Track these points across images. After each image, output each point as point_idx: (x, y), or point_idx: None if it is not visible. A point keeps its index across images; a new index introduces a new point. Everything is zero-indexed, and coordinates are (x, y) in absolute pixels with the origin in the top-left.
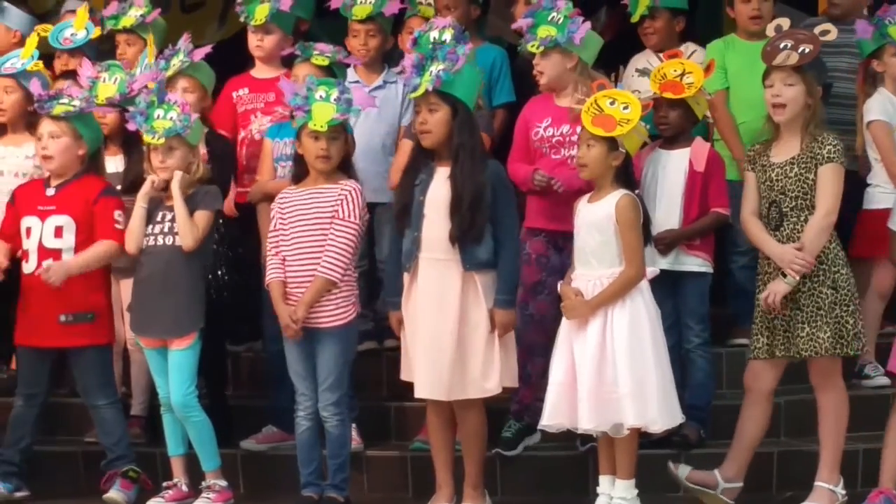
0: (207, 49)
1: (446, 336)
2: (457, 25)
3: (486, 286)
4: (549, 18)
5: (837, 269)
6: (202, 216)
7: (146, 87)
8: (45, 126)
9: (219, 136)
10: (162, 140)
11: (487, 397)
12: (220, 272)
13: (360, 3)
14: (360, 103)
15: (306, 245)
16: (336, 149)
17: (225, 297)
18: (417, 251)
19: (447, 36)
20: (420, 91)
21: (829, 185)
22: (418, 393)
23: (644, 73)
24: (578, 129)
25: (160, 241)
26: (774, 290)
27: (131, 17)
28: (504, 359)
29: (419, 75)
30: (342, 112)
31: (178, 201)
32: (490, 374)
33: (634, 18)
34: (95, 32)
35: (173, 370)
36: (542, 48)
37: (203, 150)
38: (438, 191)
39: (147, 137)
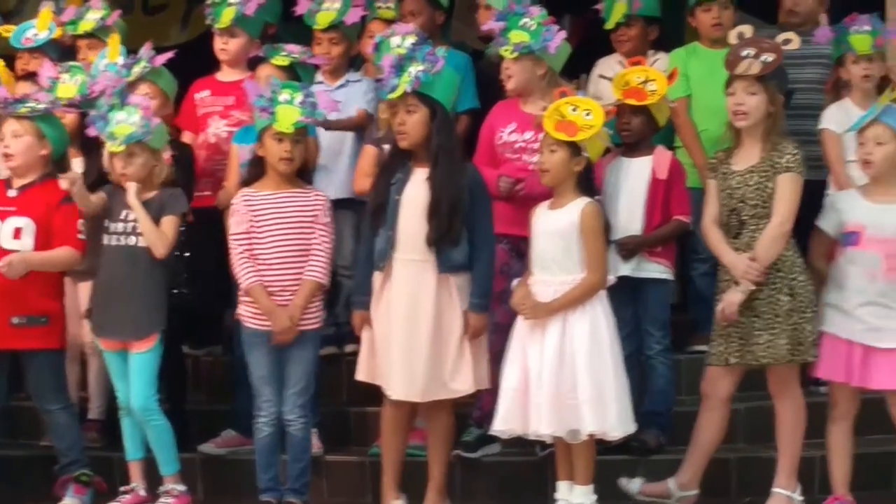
0: (169, 55)
1: (421, 338)
2: (419, 32)
3: (460, 288)
4: (521, 24)
5: (795, 276)
6: (169, 222)
7: (106, 90)
8: (8, 126)
9: (180, 144)
10: (122, 147)
11: (455, 402)
12: (179, 276)
13: (325, 10)
14: (324, 107)
15: (286, 249)
16: (299, 151)
17: (186, 302)
18: (392, 251)
19: (409, 42)
20: (399, 92)
21: (785, 194)
22: (392, 395)
23: (608, 79)
24: (541, 135)
25: (122, 241)
26: (729, 301)
27: (90, 20)
28: (476, 360)
29: (397, 76)
30: (307, 115)
31: (139, 212)
32: (461, 375)
33: (610, 25)
34: (57, 33)
35: (134, 374)
36: (515, 54)
37: (167, 154)
38: (416, 191)
39: (108, 145)
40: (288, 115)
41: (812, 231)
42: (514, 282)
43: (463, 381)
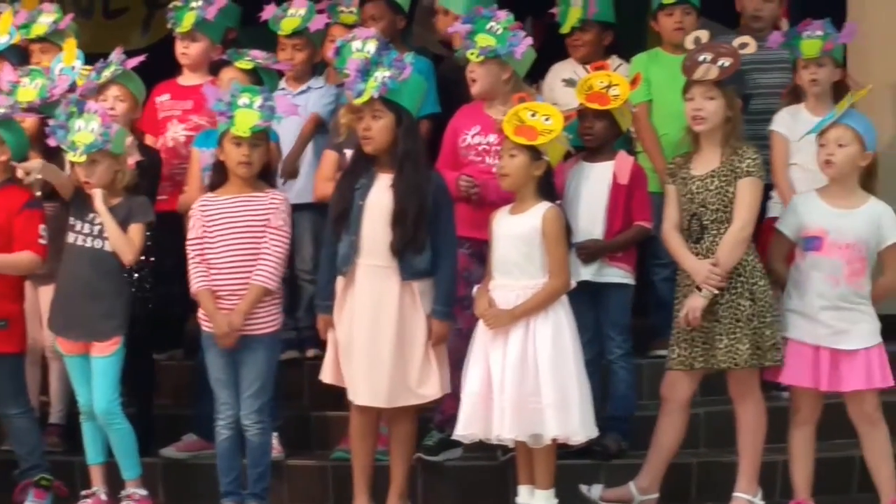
0: (140, 58)
1: (385, 344)
2: (380, 37)
3: (423, 293)
4: (488, 28)
5: (755, 280)
6: (136, 229)
7: (65, 96)
8: None
9: (147, 148)
10: (83, 157)
11: (418, 407)
12: (144, 281)
13: (290, 16)
14: (283, 111)
15: (237, 253)
16: (258, 155)
17: (149, 306)
18: (355, 256)
19: (370, 47)
20: (365, 97)
21: (746, 198)
22: (357, 400)
23: (570, 83)
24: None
25: (88, 242)
26: (692, 306)
27: (42, 24)
28: (440, 365)
29: (363, 81)
30: (265, 119)
31: (106, 218)
32: (428, 380)
33: (565, 30)
34: (17, 38)
35: (97, 378)
36: (481, 57)
37: (133, 159)
38: (379, 197)
39: (69, 155)
40: (246, 120)
41: (769, 234)
42: (475, 288)
43: (431, 387)
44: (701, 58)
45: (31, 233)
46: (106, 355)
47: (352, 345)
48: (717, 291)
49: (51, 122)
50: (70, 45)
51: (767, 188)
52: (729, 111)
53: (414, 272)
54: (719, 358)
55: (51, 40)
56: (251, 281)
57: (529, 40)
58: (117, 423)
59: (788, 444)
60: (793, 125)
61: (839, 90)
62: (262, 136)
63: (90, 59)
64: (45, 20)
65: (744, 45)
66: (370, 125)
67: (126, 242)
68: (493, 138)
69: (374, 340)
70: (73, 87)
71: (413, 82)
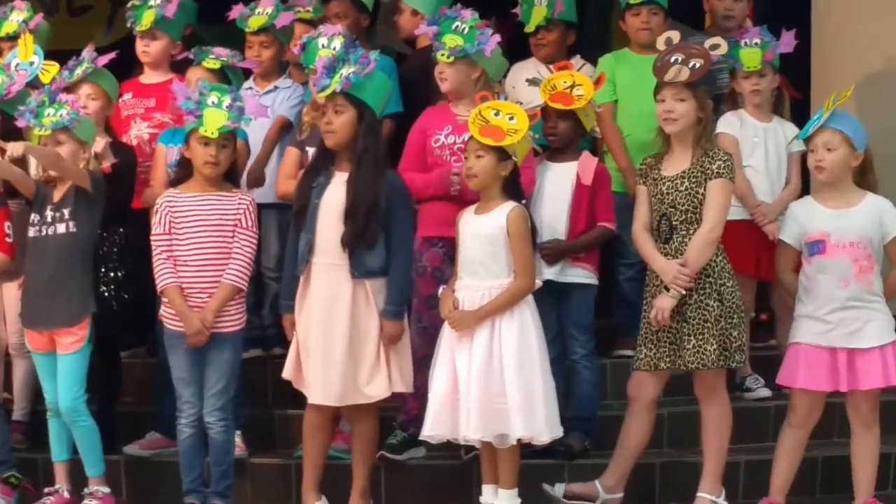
0: (111, 55)
1: (337, 342)
2: (347, 34)
3: (376, 293)
4: (454, 27)
5: (724, 281)
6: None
7: (30, 91)
8: None
9: (122, 145)
10: (48, 132)
11: (380, 405)
12: (111, 279)
13: (257, 14)
14: (251, 112)
15: (208, 252)
16: (225, 156)
17: (115, 303)
18: (310, 255)
19: (336, 44)
20: (328, 91)
21: (716, 200)
22: (311, 399)
23: (534, 83)
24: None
25: (43, 231)
26: (661, 307)
27: (13, 22)
28: (396, 364)
29: (329, 77)
30: (233, 120)
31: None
32: (375, 380)
33: (530, 28)
34: None
35: (62, 374)
36: (451, 58)
37: (108, 162)
38: (335, 195)
39: (35, 131)
40: (214, 120)
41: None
42: (441, 289)
43: (377, 387)
44: (672, 59)
45: None
46: (72, 352)
47: (308, 343)
48: (684, 292)
49: (21, 107)
50: (27, 41)
51: None
52: (700, 112)
53: (366, 271)
54: (687, 359)
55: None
56: (223, 280)
57: (497, 38)
58: (82, 419)
59: (778, 442)
60: (738, 127)
61: (778, 95)
62: (230, 137)
63: (54, 56)
64: (16, 18)
65: (715, 47)
66: (332, 119)
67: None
68: (467, 136)
69: (327, 339)
70: (33, 83)
71: (377, 80)
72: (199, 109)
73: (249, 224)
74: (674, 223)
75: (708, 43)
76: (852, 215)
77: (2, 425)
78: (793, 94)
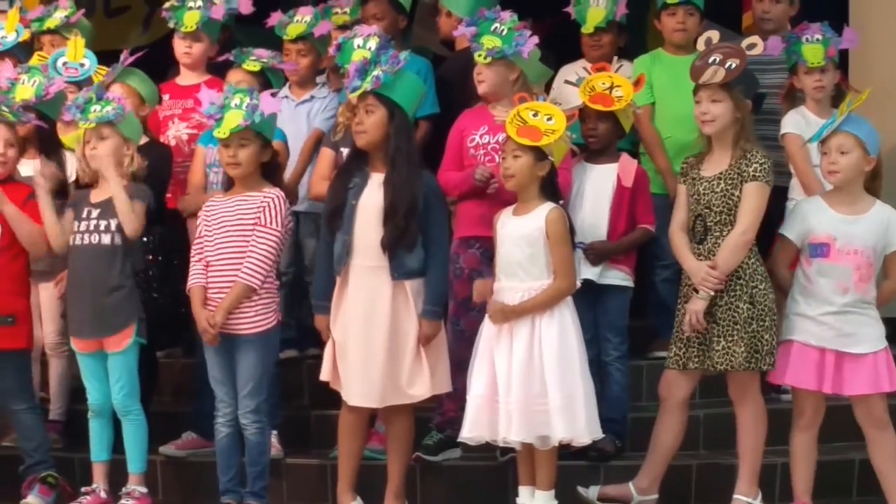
0: (138, 55)
1: (378, 344)
2: (382, 34)
3: (416, 293)
4: (492, 29)
5: (756, 283)
6: (138, 206)
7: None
8: None
9: (157, 145)
10: (93, 125)
11: (416, 406)
12: (150, 281)
13: (297, 22)
14: (263, 108)
15: (228, 251)
16: (246, 155)
17: (154, 304)
18: (348, 257)
19: (372, 44)
20: (360, 92)
21: (751, 203)
22: (350, 401)
23: (573, 83)
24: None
25: (86, 239)
26: (693, 310)
27: (56, 18)
28: (434, 365)
29: (361, 78)
30: (246, 118)
31: (114, 183)
32: (416, 380)
33: (588, 30)
34: (25, 35)
35: (115, 372)
36: (489, 59)
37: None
38: (372, 197)
39: (81, 124)
40: (230, 120)
41: (775, 239)
42: (477, 281)
43: (419, 387)
44: (710, 59)
45: (36, 217)
46: (121, 350)
47: (346, 345)
48: (713, 293)
49: (68, 102)
50: (77, 42)
51: (781, 192)
52: (737, 112)
53: (406, 271)
54: (716, 360)
55: (61, 34)
56: (236, 279)
57: (535, 39)
58: (134, 414)
59: (790, 446)
60: (804, 126)
61: (837, 92)
62: (250, 136)
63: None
64: (60, 14)
65: (752, 46)
66: (362, 119)
67: (129, 210)
68: (502, 136)
69: (367, 341)
70: (80, 83)
71: (408, 80)
72: (220, 113)
73: (268, 221)
74: (708, 224)
75: (745, 43)
76: (861, 223)
77: (39, 426)
78: (853, 88)
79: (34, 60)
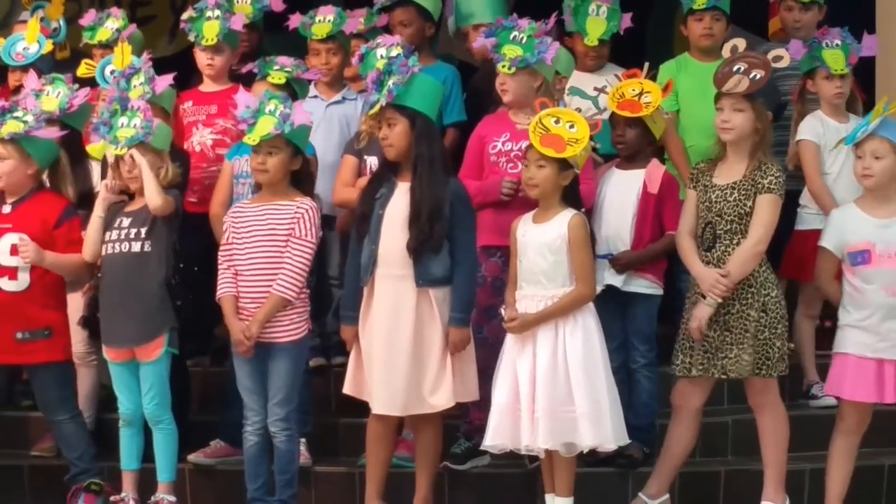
0: (169, 80)
1: (401, 352)
2: (405, 43)
3: (440, 302)
4: (512, 38)
5: (767, 291)
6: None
7: (103, 98)
8: None
9: (180, 151)
10: (125, 150)
11: (444, 414)
12: (177, 290)
13: (319, 22)
14: (295, 119)
15: (261, 261)
16: (274, 163)
17: (182, 315)
18: (374, 266)
19: (395, 54)
20: (377, 108)
21: (764, 215)
22: (375, 409)
23: (602, 91)
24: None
25: (117, 248)
26: (700, 316)
27: (108, 30)
28: (460, 373)
29: (378, 92)
30: (277, 126)
31: (144, 168)
32: (440, 390)
33: (592, 42)
34: (47, 46)
35: (147, 381)
36: (513, 69)
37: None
38: (398, 205)
39: (112, 150)
40: (261, 127)
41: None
42: (502, 309)
43: (441, 396)
44: (734, 67)
45: (75, 242)
46: (153, 359)
47: (371, 353)
48: (720, 300)
49: (94, 119)
50: (124, 49)
51: (793, 196)
52: (758, 123)
53: (430, 279)
54: (727, 367)
55: (112, 47)
56: (271, 291)
57: (557, 45)
58: (165, 423)
59: (829, 450)
60: (822, 132)
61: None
62: (280, 144)
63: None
64: (111, 25)
65: (778, 59)
66: (387, 134)
67: (157, 187)
68: (524, 144)
69: (391, 349)
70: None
71: (423, 85)
72: (254, 118)
73: (303, 233)
74: (718, 232)
75: (771, 54)
76: None
77: (82, 434)
78: (861, 95)
79: (82, 69)
